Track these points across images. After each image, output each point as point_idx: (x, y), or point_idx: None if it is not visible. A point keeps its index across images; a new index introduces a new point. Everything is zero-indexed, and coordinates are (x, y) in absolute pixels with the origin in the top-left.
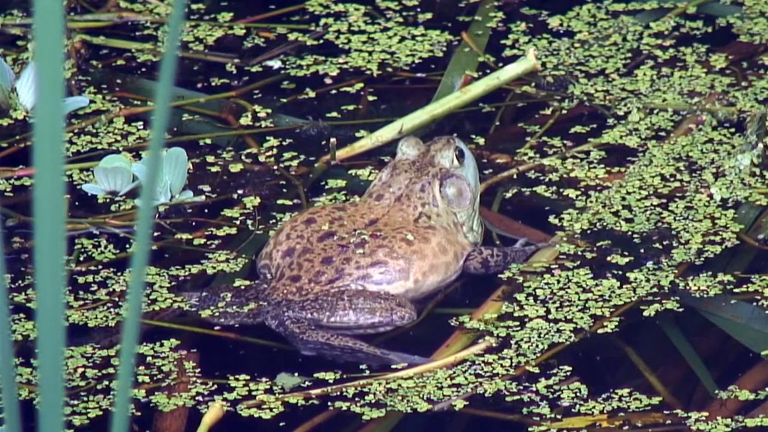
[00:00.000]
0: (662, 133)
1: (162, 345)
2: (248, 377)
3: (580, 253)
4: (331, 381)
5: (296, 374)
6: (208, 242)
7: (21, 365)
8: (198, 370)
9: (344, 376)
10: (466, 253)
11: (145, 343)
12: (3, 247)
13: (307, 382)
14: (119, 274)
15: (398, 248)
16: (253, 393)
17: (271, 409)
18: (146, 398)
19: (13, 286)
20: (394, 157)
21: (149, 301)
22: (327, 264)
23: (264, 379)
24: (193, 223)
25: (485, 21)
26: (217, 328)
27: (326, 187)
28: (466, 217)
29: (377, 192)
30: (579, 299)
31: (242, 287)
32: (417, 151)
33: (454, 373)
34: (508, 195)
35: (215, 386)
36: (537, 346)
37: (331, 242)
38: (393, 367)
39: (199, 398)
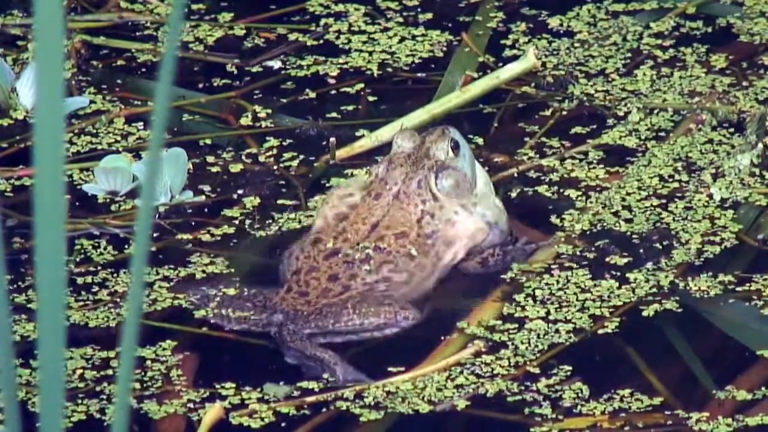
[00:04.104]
0: (662, 134)
1: (160, 346)
2: (247, 380)
3: (579, 253)
4: (316, 390)
5: (281, 383)
6: (208, 242)
7: (21, 366)
8: (197, 371)
9: (329, 385)
10: (454, 251)
11: (147, 346)
12: (3, 247)
13: (295, 392)
14: (117, 275)
15: (402, 264)
16: (251, 396)
17: (266, 415)
18: (145, 399)
19: (13, 286)
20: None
21: (149, 302)
22: (333, 281)
23: (262, 383)
24: (193, 223)
25: (485, 21)
26: (213, 322)
27: (326, 187)
28: (470, 205)
29: (375, 190)
30: (578, 299)
31: (251, 292)
32: (412, 143)
33: (454, 374)
34: (509, 195)
35: (214, 388)
36: (537, 346)
37: (337, 260)
38: (389, 370)
39: (199, 399)
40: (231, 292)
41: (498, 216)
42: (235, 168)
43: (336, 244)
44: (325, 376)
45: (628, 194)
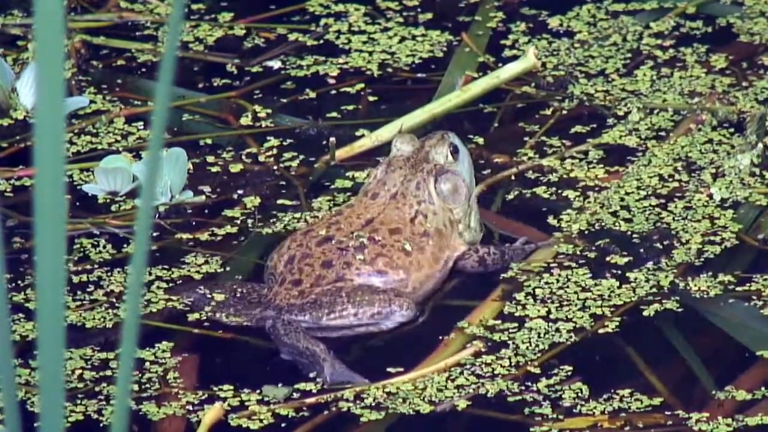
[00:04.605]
0: (662, 134)
1: (158, 347)
2: (246, 381)
3: (579, 253)
4: (315, 391)
5: (280, 384)
6: (208, 242)
7: (20, 366)
8: (196, 372)
9: (325, 387)
10: (457, 254)
11: (146, 347)
12: (3, 247)
13: (294, 393)
14: (112, 274)
15: (397, 258)
16: (251, 398)
17: (265, 416)
18: (144, 400)
19: (12, 286)
20: (388, 154)
21: (145, 302)
22: (327, 268)
23: (261, 384)
24: (194, 224)
25: (485, 21)
26: (209, 321)
27: (326, 187)
28: (462, 214)
29: (372, 190)
30: (578, 299)
31: (245, 289)
32: (411, 147)
33: (454, 374)
34: (509, 196)
35: (212, 390)
36: (537, 346)
37: (330, 246)
38: (388, 371)
39: (197, 401)
40: (227, 292)
41: (474, 237)
42: (235, 168)
43: (329, 232)
44: (313, 375)
45: (628, 194)
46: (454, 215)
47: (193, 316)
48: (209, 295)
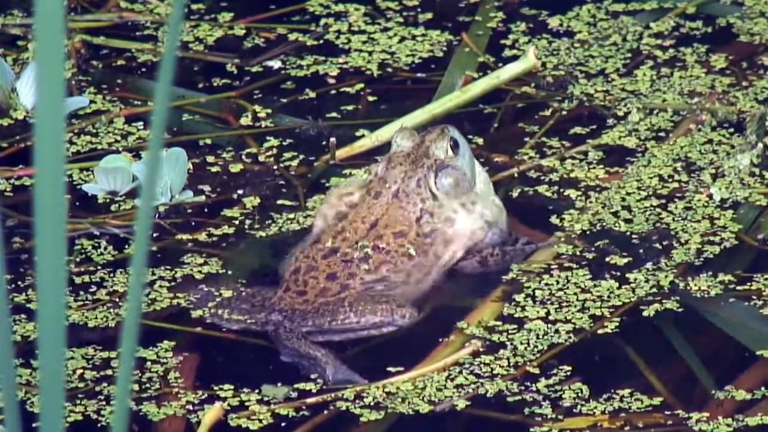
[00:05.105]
0: (662, 134)
1: (159, 347)
2: (246, 381)
3: (579, 253)
4: (314, 391)
5: (279, 384)
6: (208, 242)
7: (21, 366)
8: (196, 372)
9: (328, 386)
10: (459, 253)
11: (147, 347)
12: (3, 247)
13: (292, 393)
14: (115, 274)
15: (401, 263)
16: (251, 398)
17: (264, 417)
18: (144, 400)
19: (13, 286)
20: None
21: (148, 302)
22: (331, 280)
23: (261, 384)
24: (193, 224)
25: (485, 21)
26: (211, 322)
27: (326, 187)
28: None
29: (375, 189)
30: (578, 300)
31: (249, 292)
32: (412, 142)
33: (454, 374)
34: (512, 194)
35: (213, 389)
36: (537, 347)
37: (335, 258)
38: (387, 370)
39: (198, 401)
40: (230, 292)
41: (497, 215)
42: (235, 168)
43: (335, 243)
44: (314, 376)
45: (628, 194)
46: (469, 200)
47: (195, 314)
48: (215, 293)
